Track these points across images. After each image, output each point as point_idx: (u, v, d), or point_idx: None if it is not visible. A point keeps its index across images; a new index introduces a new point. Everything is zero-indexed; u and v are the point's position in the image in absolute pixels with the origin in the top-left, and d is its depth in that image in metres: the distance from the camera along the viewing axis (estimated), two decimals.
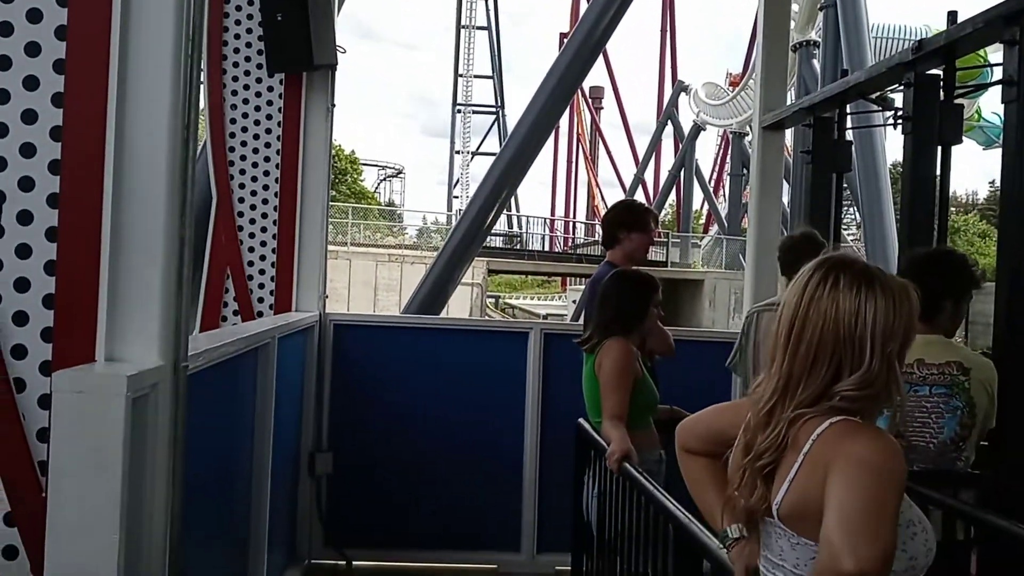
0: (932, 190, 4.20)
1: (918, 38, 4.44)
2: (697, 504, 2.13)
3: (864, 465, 1.54)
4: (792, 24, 28.06)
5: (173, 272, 2.30)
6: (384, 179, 78.63)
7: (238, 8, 5.33)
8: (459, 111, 71.41)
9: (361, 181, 63.51)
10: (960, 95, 4.21)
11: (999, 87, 3.47)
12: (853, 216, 39.65)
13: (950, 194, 4.56)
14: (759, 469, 1.70)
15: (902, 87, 4.23)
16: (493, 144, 59.44)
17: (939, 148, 4.14)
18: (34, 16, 2.35)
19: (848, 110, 5.29)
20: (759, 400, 1.75)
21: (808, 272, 1.75)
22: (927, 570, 1.71)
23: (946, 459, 3.14)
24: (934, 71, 4.14)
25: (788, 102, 5.74)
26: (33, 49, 2.35)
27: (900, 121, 4.26)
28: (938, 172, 4.20)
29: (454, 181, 70.42)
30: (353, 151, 59.86)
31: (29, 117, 2.35)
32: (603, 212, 4.78)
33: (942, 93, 4.10)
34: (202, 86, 5.53)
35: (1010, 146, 3.41)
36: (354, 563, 5.24)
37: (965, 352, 3.24)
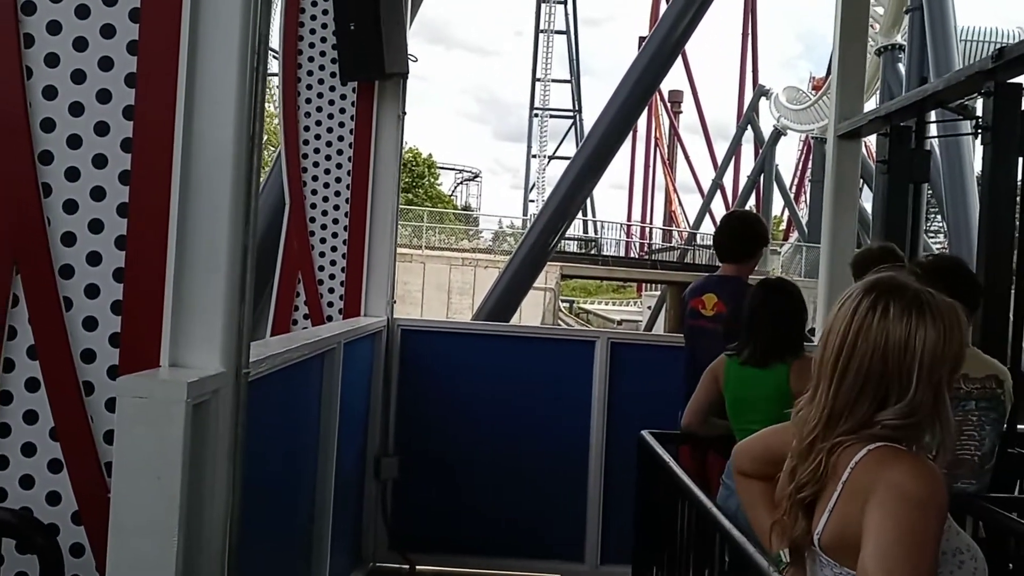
0: (1012, 202, 4.06)
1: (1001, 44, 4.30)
2: (752, 526, 2.10)
3: (903, 495, 1.50)
4: (876, 27, 27.34)
5: (236, 280, 2.34)
6: (461, 183, 79.17)
7: (312, 18, 5.44)
8: (536, 115, 71.50)
9: (438, 185, 64.03)
10: None
11: None
12: (941, 225, 38.51)
13: None
14: (800, 501, 1.67)
15: (982, 96, 4.09)
16: (570, 148, 59.26)
17: (1020, 159, 4.00)
18: (108, 32, 2.43)
19: (931, 118, 5.13)
20: (803, 426, 1.70)
21: (856, 298, 1.68)
22: None
23: (984, 471, 3.15)
24: (1016, 80, 3.99)
25: (873, 107, 5.60)
26: (106, 63, 2.43)
27: (980, 131, 4.11)
28: (1020, 184, 4.06)
29: (530, 185, 70.52)
30: (430, 155, 60.36)
31: (101, 129, 2.44)
32: (737, 223, 4.62)
33: None
34: (277, 91, 5.66)
35: None
36: (417, 567, 5.28)
37: (994, 364, 3.23)
